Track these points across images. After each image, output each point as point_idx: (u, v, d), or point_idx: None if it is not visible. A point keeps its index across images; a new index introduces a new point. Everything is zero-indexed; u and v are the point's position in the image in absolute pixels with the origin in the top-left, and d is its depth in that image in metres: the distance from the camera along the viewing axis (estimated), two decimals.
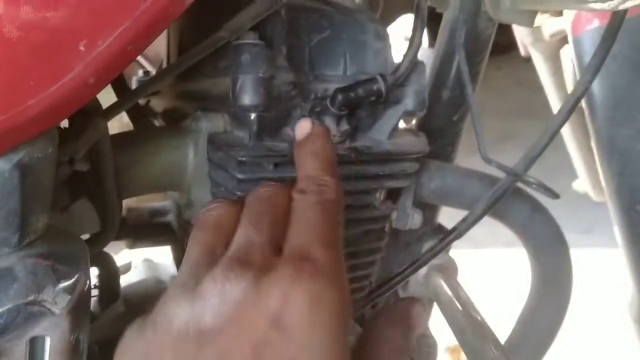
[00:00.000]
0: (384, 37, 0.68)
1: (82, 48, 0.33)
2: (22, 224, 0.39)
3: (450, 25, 0.85)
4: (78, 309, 0.43)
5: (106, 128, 0.50)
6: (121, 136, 0.60)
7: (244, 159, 0.56)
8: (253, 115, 0.56)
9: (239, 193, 0.58)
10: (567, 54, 1.26)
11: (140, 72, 0.85)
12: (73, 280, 0.42)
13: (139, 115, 0.67)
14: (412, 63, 0.65)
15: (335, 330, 0.35)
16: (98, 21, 0.33)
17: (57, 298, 0.42)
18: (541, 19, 1.28)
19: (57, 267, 0.41)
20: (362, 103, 0.64)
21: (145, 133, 0.61)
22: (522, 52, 1.48)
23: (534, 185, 0.66)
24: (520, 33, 1.42)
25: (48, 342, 0.40)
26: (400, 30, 1.21)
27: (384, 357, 0.42)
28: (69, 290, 0.42)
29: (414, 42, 0.65)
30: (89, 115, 0.47)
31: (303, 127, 0.55)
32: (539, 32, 1.34)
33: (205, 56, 0.61)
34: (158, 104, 0.75)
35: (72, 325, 0.43)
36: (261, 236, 0.42)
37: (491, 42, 0.86)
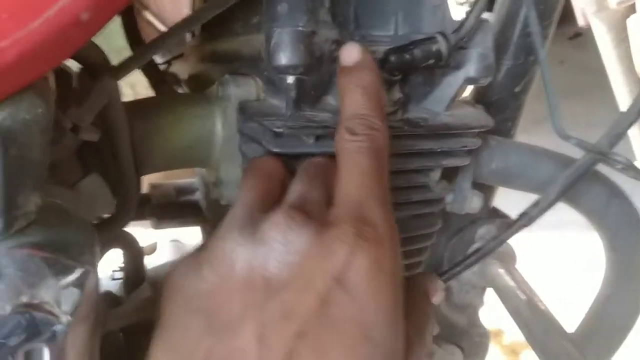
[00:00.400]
0: None
1: None
2: (7, 205, 0.31)
3: None
4: (88, 311, 0.35)
5: (117, 90, 0.42)
6: (138, 103, 0.52)
7: (280, 130, 0.47)
8: (291, 79, 0.48)
9: None
10: (636, 23, 1.14)
11: None
12: (77, 275, 0.34)
13: (160, 81, 0.59)
14: (478, 20, 0.55)
15: (392, 295, 0.35)
16: None
17: (60, 299, 0.34)
18: None
19: (56, 259, 0.33)
20: (417, 67, 0.54)
21: (166, 100, 0.53)
22: (581, 22, 1.35)
23: (619, 166, 0.56)
24: (580, 1, 1.29)
25: (47, 356, 0.32)
26: None
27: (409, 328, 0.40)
28: (74, 288, 0.34)
29: None
30: (94, 73, 0.39)
31: (351, 52, 0.47)
32: None
33: (235, 11, 0.52)
34: (182, 69, 0.66)
35: (81, 333, 0.35)
36: (315, 192, 0.42)
37: (562, 3, 0.75)
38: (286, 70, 0.46)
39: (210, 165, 0.56)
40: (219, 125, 0.53)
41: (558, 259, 2.17)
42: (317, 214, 0.39)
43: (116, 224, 0.51)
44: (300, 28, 0.45)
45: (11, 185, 0.31)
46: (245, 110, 0.50)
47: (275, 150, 0.48)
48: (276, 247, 0.36)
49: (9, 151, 0.30)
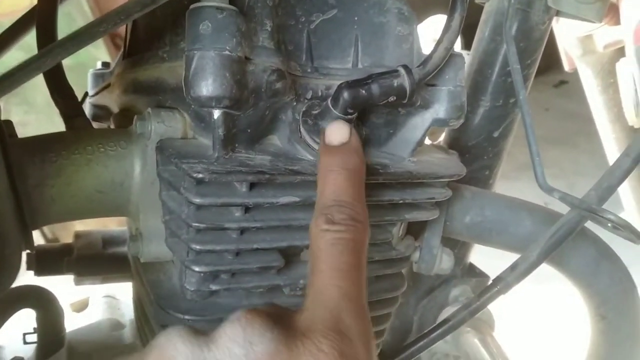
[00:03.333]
0: (409, 20, 0.51)
1: None
2: None
3: (495, 17, 0.68)
4: None
5: None
6: (36, 140, 0.43)
7: (201, 175, 0.39)
8: (217, 113, 0.39)
9: (195, 225, 0.41)
10: (624, 68, 1.08)
11: (99, 64, 0.69)
12: None
13: (74, 113, 0.50)
14: (448, 53, 0.47)
15: None
16: None
17: None
18: (594, 29, 1.10)
19: None
20: (377, 105, 0.46)
21: (74, 137, 0.44)
22: (567, 66, 1.29)
23: (610, 225, 0.48)
24: (566, 43, 1.23)
25: None
26: (428, 33, 1.04)
27: None
28: None
29: (451, 26, 0.47)
30: None
31: (339, 131, 0.42)
32: (591, 42, 1.16)
33: (163, 33, 0.44)
34: (112, 102, 0.58)
35: None
36: None
37: (545, 41, 0.69)
38: (208, 102, 0.37)
39: (129, 214, 0.47)
40: (138, 168, 0.45)
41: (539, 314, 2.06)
42: (281, 313, 0.33)
43: None
44: (227, 52, 0.37)
45: None
46: (164, 151, 0.42)
47: (196, 200, 0.40)
48: (233, 352, 0.30)
49: None
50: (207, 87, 0.37)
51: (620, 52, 1.12)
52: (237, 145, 0.43)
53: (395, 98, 0.45)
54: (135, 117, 0.45)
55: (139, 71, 0.47)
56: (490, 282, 0.53)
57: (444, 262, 0.57)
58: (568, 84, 4.21)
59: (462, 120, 0.50)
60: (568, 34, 1.18)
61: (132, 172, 0.45)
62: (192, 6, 0.38)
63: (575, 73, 1.32)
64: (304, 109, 0.45)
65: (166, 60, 0.44)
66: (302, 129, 0.45)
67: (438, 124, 0.50)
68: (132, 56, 0.49)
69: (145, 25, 0.48)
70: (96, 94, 0.63)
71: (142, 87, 0.47)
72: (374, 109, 0.48)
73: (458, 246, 0.69)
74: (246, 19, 0.40)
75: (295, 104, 0.46)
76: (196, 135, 0.45)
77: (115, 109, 0.57)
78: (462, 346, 0.65)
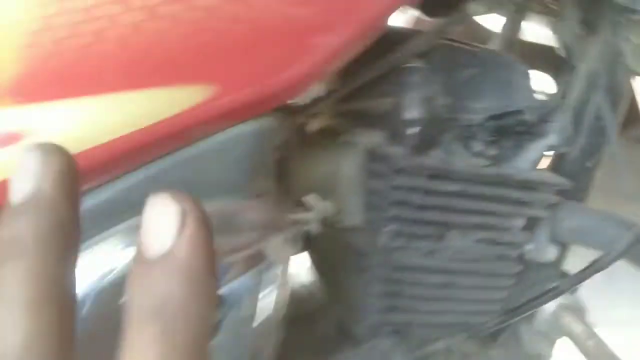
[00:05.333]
0: (528, 77, 0.73)
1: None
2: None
3: (587, 75, 0.88)
4: None
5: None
6: (307, 133, 0.68)
7: (401, 166, 0.62)
8: (413, 130, 0.62)
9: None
10: None
11: None
12: None
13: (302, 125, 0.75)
14: (560, 100, 0.69)
15: None
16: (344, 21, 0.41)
17: None
18: None
19: None
20: (508, 132, 0.68)
21: (308, 141, 0.69)
22: None
23: None
24: None
25: None
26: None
27: None
28: None
29: (565, 82, 0.69)
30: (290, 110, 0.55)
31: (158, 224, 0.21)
32: None
33: (371, 79, 0.69)
34: (311, 122, 0.83)
35: None
36: None
37: (629, 96, 0.88)
38: (411, 123, 0.61)
39: (335, 195, 0.70)
40: (346, 165, 0.68)
41: None
42: None
43: None
44: (425, 94, 0.61)
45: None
46: (372, 153, 0.65)
47: (396, 183, 0.62)
48: None
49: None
50: (412, 114, 0.60)
51: None
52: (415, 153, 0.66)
53: (521, 128, 0.67)
54: (348, 133, 0.68)
55: (353, 104, 0.71)
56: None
57: (550, 252, 0.77)
58: None
59: (569, 148, 0.71)
60: None
61: (342, 168, 0.68)
62: (404, 65, 0.61)
63: None
64: (456, 133, 0.68)
65: (374, 97, 0.68)
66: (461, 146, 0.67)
67: (551, 148, 0.71)
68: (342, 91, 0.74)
69: None
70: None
71: (353, 114, 0.71)
72: (506, 135, 0.70)
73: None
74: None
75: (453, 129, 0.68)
76: (387, 146, 0.68)
77: (311, 128, 0.82)
78: (563, 326, 0.82)
